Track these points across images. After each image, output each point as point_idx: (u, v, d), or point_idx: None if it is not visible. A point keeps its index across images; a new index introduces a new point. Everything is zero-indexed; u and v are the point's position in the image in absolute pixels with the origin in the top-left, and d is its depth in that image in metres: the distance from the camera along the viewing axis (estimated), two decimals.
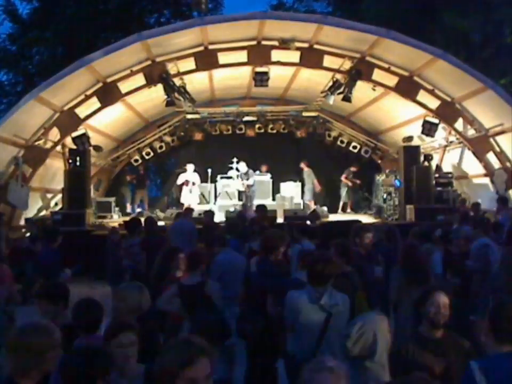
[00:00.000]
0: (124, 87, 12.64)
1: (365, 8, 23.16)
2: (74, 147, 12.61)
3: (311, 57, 12.91)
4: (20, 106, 11.39)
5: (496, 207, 10.84)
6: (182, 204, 14.11)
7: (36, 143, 12.28)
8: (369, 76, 12.89)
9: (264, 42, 12.84)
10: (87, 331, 3.57)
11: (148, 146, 16.58)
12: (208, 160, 15.74)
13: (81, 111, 12.53)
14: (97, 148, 13.54)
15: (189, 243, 7.71)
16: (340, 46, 12.87)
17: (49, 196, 13.89)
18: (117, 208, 15.54)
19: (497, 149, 12.72)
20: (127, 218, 10.11)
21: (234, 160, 14.62)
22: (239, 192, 14.61)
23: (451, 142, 13.99)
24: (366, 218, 14.14)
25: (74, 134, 12.48)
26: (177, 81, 12.80)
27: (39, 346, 2.68)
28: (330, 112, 16.82)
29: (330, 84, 13.42)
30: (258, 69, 12.90)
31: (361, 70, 12.76)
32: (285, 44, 12.57)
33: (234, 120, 16.68)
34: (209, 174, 14.75)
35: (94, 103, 12.55)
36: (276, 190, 15.78)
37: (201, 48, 12.75)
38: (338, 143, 16.89)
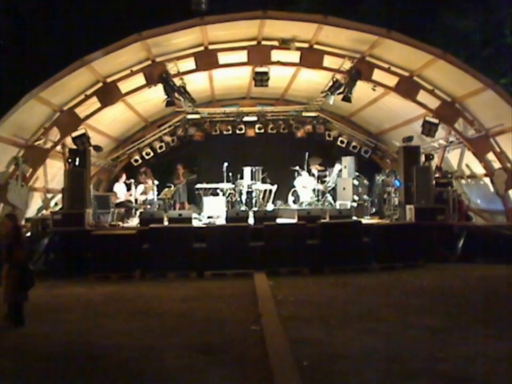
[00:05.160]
0: (123, 87, 12.64)
1: (365, 8, 23.21)
2: (74, 147, 12.59)
3: (311, 57, 12.90)
4: (19, 106, 11.37)
5: None
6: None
7: (36, 143, 12.28)
8: (369, 76, 12.88)
9: (264, 42, 12.85)
10: None
11: (147, 146, 16.59)
12: (208, 160, 15.72)
13: (81, 111, 12.52)
14: (97, 148, 13.52)
15: None
16: (340, 46, 12.87)
17: (49, 196, 13.88)
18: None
19: (497, 149, 12.72)
20: None
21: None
22: None
23: (451, 142, 13.98)
24: (365, 219, 14.15)
25: (74, 134, 12.45)
26: (177, 81, 12.80)
27: None
28: (330, 112, 16.84)
29: (330, 84, 13.42)
30: (258, 69, 12.90)
31: (361, 70, 12.75)
32: (285, 44, 12.58)
33: (234, 120, 16.70)
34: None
35: (94, 103, 12.54)
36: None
37: (201, 48, 12.76)
38: (338, 143, 16.91)
